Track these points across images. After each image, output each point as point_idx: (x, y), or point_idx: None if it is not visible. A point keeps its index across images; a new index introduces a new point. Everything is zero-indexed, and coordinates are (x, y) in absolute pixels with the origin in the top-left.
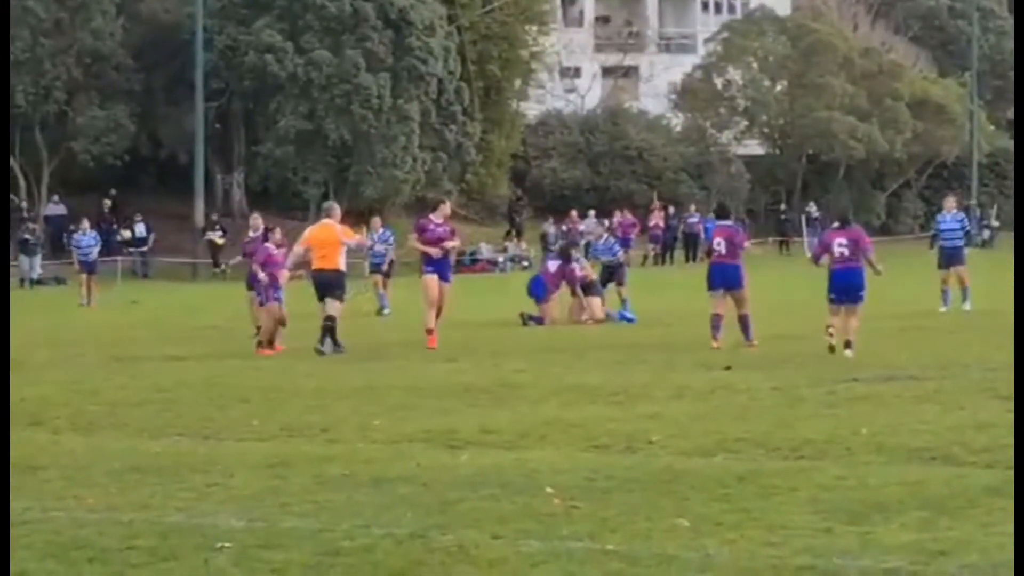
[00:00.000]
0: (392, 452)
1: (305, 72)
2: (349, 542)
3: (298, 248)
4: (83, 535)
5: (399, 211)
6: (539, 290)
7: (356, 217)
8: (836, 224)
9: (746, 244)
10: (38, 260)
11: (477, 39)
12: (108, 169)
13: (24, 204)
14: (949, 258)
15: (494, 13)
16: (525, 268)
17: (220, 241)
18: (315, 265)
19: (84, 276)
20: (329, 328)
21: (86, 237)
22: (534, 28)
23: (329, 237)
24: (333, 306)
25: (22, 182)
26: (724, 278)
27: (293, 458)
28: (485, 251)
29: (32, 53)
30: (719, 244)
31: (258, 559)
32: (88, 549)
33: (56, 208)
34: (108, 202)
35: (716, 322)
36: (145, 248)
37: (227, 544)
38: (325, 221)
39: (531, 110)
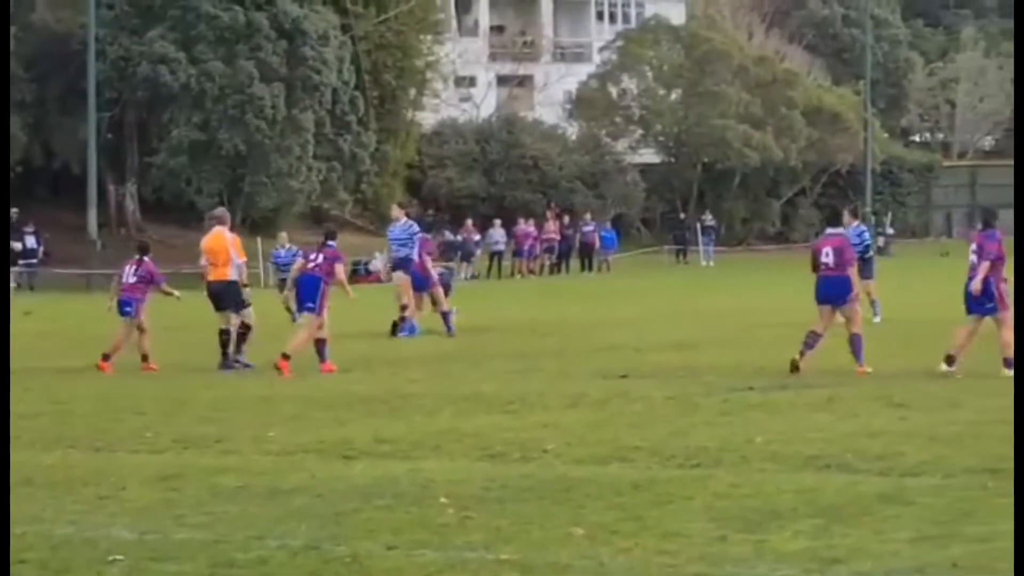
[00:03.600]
0: (286, 463)
1: (198, 82)
2: (243, 554)
3: (202, 260)
4: None
5: (294, 221)
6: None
7: (251, 229)
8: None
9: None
10: None
11: (371, 49)
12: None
13: None
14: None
15: (388, 22)
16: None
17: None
18: (209, 276)
19: None
20: (225, 342)
21: None
22: (429, 37)
23: (221, 246)
24: (230, 319)
25: None
26: (831, 292)
27: (187, 470)
28: (379, 261)
29: None
30: (827, 255)
31: (151, 572)
32: None
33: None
34: (15, 210)
35: (811, 340)
36: (35, 260)
37: (119, 557)
38: (217, 229)
39: (426, 119)
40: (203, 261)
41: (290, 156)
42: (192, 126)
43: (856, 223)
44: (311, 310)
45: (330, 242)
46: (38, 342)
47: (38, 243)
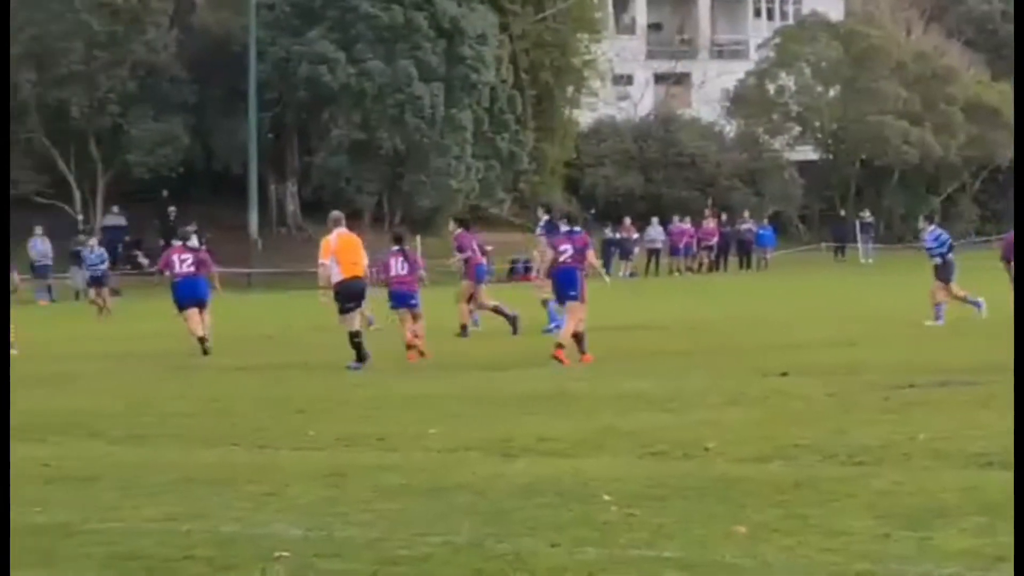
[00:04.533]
0: (448, 461)
1: (358, 82)
2: (407, 551)
3: (324, 261)
4: (141, 545)
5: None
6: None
7: (411, 228)
8: None
9: None
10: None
11: (529, 47)
12: (163, 181)
13: (80, 216)
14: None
15: (546, 21)
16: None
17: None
18: (347, 273)
19: (94, 290)
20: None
21: (93, 254)
22: (586, 36)
23: (355, 244)
24: (354, 320)
25: (77, 194)
26: None
27: (349, 467)
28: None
29: (87, 66)
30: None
31: (316, 569)
32: (146, 559)
33: (115, 219)
34: (173, 209)
35: None
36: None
37: (285, 553)
38: (342, 230)
39: (584, 118)
40: (327, 260)
41: (449, 155)
42: (352, 126)
43: (932, 228)
44: (574, 298)
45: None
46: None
47: (200, 243)
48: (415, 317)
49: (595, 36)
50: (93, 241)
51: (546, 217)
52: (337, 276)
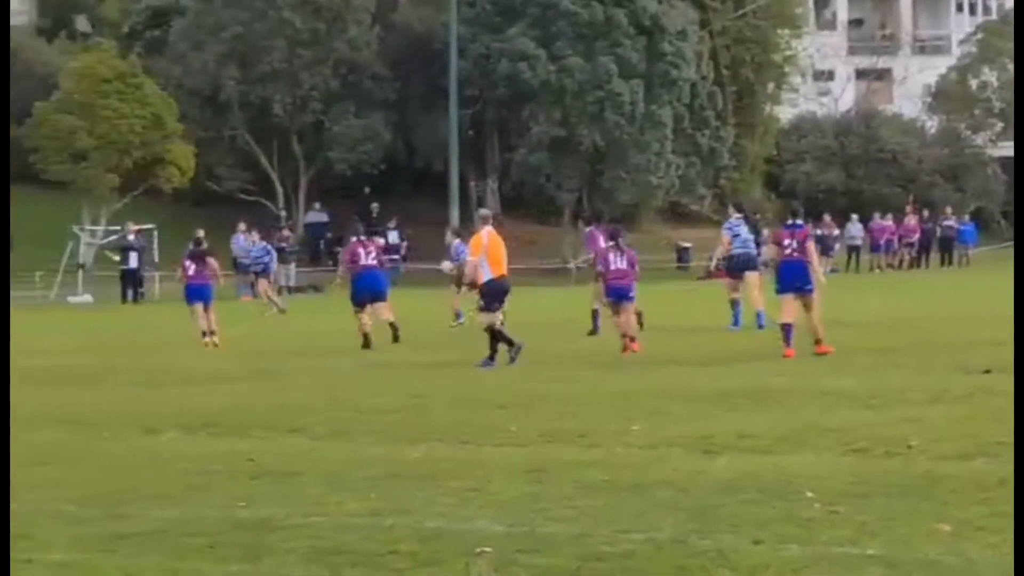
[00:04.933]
0: (650, 457)
1: (558, 79)
2: (609, 547)
3: (473, 259)
4: (345, 540)
5: (654, 216)
6: None
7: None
8: None
9: None
10: (293, 268)
11: (729, 43)
12: (365, 177)
13: (283, 212)
14: None
15: (746, 17)
16: None
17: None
18: (496, 272)
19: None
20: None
21: (255, 248)
22: (787, 31)
23: (502, 244)
24: (495, 318)
25: (280, 191)
26: None
27: (551, 463)
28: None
29: (289, 64)
30: None
31: (519, 564)
32: (350, 554)
33: (317, 216)
34: (375, 206)
35: None
36: (397, 256)
37: (487, 549)
38: (491, 229)
39: (784, 114)
40: (475, 259)
41: (648, 151)
42: (552, 122)
43: None
44: (809, 292)
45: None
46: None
47: (401, 239)
48: (622, 311)
49: (796, 32)
50: (255, 235)
51: (737, 215)
52: (487, 274)
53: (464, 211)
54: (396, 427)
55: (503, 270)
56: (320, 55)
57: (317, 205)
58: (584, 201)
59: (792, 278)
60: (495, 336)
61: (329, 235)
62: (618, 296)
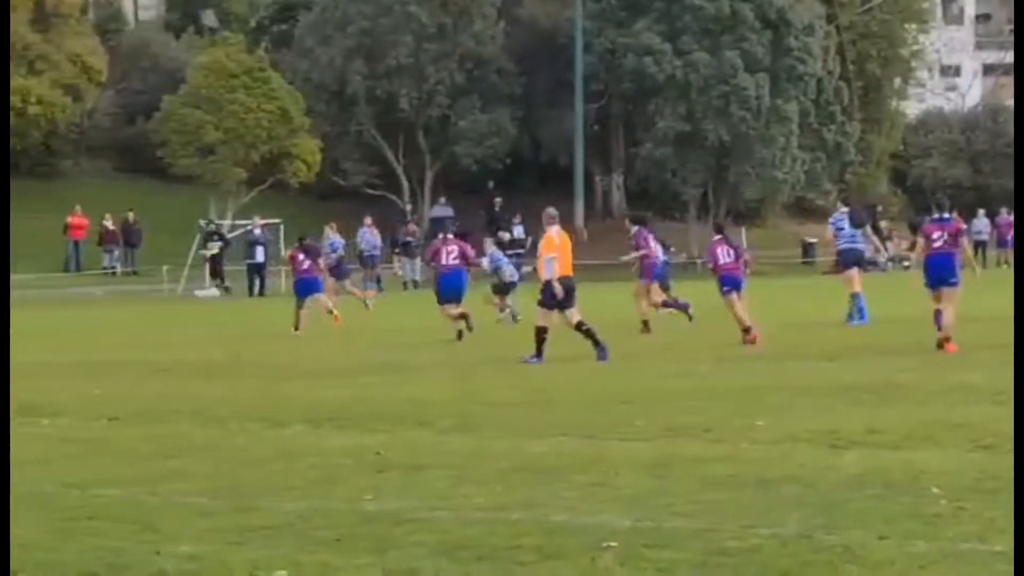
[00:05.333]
0: (775, 452)
1: (683, 74)
2: (735, 542)
3: (549, 255)
4: (471, 534)
5: (779, 211)
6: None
7: (736, 219)
8: None
9: None
10: (418, 262)
11: (856, 38)
12: (489, 172)
13: (408, 207)
14: None
15: (873, 12)
16: (906, 268)
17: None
18: (563, 271)
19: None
20: (588, 331)
21: (333, 243)
22: (914, 26)
23: (569, 244)
24: (575, 314)
25: (405, 185)
26: None
27: (676, 458)
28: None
29: (415, 59)
30: None
31: (644, 558)
32: (476, 548)
33: (442, 210)
34: (499, 201)
35: None
36: (522, 250)
37: (612, 543)
38: (559, 227)
39: (911, 109)
40: (550, 254)
41: (774, 146)
42: (677, 117)
43: None
44: (954, 284)
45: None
46: (521, 331)
47: (525, 233)
48: (732, 304)
49: (922, 26)
50: (332, 231)
51: (844, 209)
52: (555, 272)
53: (589, 206)
54: (522, 421)
55: (569, 269)
56: (446, 50)
57: (442, 199)
58: (709, 196)
59: (940, 272)
60: (540, 334)
61: (454, 230)
62: (733, 284)
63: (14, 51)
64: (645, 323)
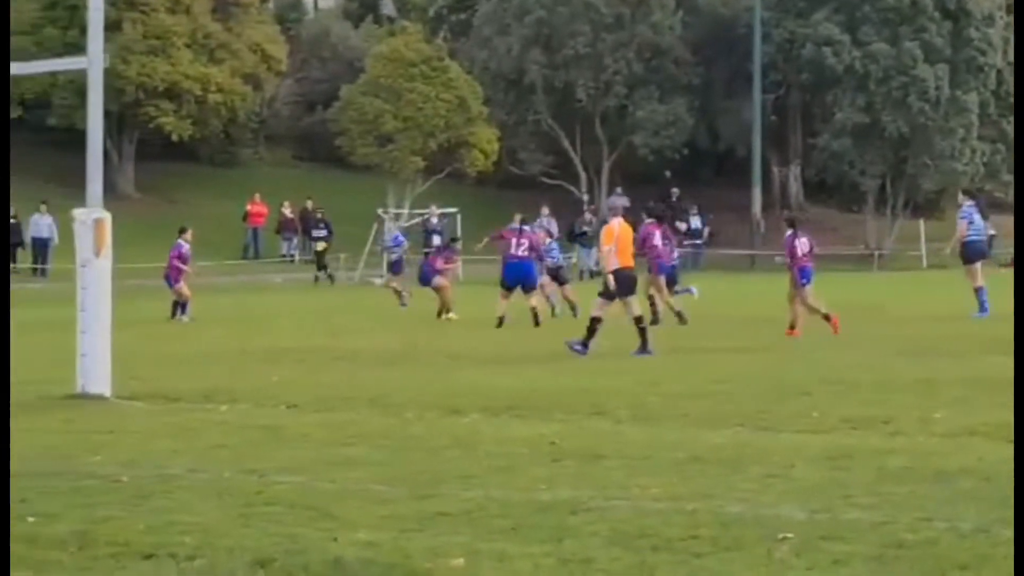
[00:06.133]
0: (953, 445)
1: (862, 64)
2: (912, 535)
3: (608, 247)
4: (647, 524)
5: (957, 204)
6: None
7: (914, 211)
8: None
9: None
10: (594, 251)
11: None
12: (667, 162)
13: (585, 196)
14: None
15: None
16: None
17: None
18: (623, 262)
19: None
20: (643, 329)
21: (388, 236)
22: None
23: (631, 235)
24: (636, 306)
25: (583, 175)
26: None
27: (854, 450)
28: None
29: (593, 48)
30: None
31: (821, 550)
32: (652, 538)
33: (619, 200)
34: (676, 191)
35: None
36: (699, 240)
37: (789, 535)
38: (621, 219)
39: None
40: (608, 247)
41: (953, 138)
42: (855, 108)
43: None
44: None
45: None
46: (700, 322)
47: (703, 224)
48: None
49: None
50: (390, 222)
51: (970, 202)
52: (614, 263)
53: (767, 197)
54: (698, 411)
55: (630, 261)
56: (624, 39)
57: (619, 189)
58: (887, 188)
59: None
60: (593, 324)
61: (631, 219)
62: (808, 278)
63: (195, 40)
64: (679, 314)
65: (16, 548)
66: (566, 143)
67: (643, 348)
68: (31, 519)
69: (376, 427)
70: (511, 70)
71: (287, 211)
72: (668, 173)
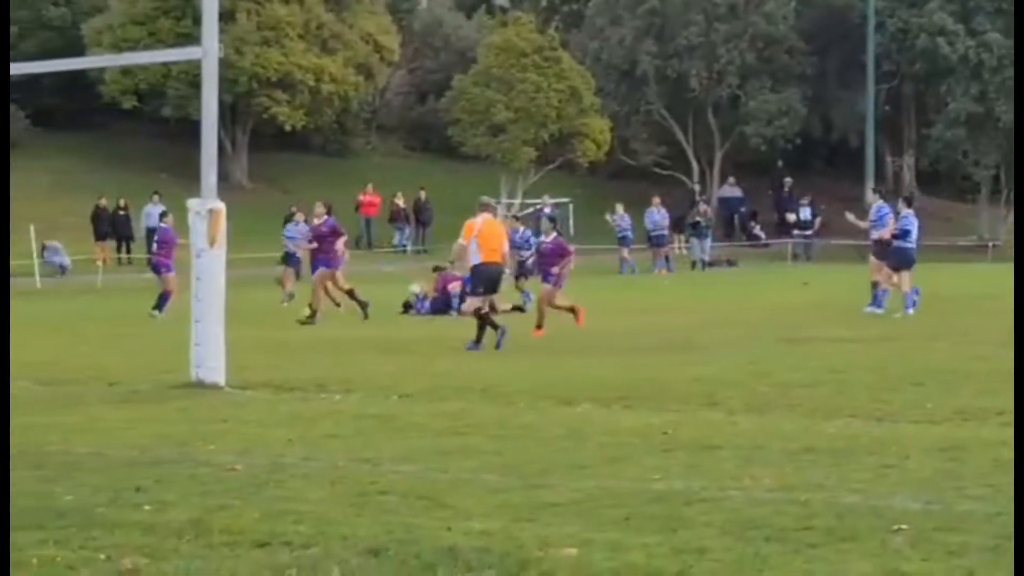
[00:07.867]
0: None
1: (976, 54)
2: None
3: (461, 242)
4: (759, 514)
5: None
6: None
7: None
8: None
9: None
10: (708, 243)
11: None
12: (779, 152)
13: (697, 187)
14: None
15: None
16: None
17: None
18: (484, 258)
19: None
20: (483, 326)
21: (297, 226)
22: None
23: (500, 232)
24: (497, 303)
25: (695, 165)
26: None
27: (968, 441)
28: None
29: (706, 38)
30: None
31: (935, 541)
32: (765, 528)
33: (731, 190)
34: (789, 181)
35: None
36: (810, 231)
37: (903, 526)
38: (488, 216)
39: None
40: (462, 242)
41: None
42: (969, 98)
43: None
44: None
45: None
46: (813, 312)
47: (813, 215)
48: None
49: None
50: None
51: (908, 209)
52: (475, 258)
53: (879, 186)
54: (812, 402)
55: (496, 257)
56: (737, 30)
57: (731, 179)
58: (1001, 178)
59: None
60: (482, 320)
61: (743, 209)
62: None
63: (308, 30)
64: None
65: (133, 536)
66: (678, 133)
67: (477, 342)
68: (147, 507)
69: (488, 417)
70: (623, 60)
71: (399, 201)
72: (780, 163)
